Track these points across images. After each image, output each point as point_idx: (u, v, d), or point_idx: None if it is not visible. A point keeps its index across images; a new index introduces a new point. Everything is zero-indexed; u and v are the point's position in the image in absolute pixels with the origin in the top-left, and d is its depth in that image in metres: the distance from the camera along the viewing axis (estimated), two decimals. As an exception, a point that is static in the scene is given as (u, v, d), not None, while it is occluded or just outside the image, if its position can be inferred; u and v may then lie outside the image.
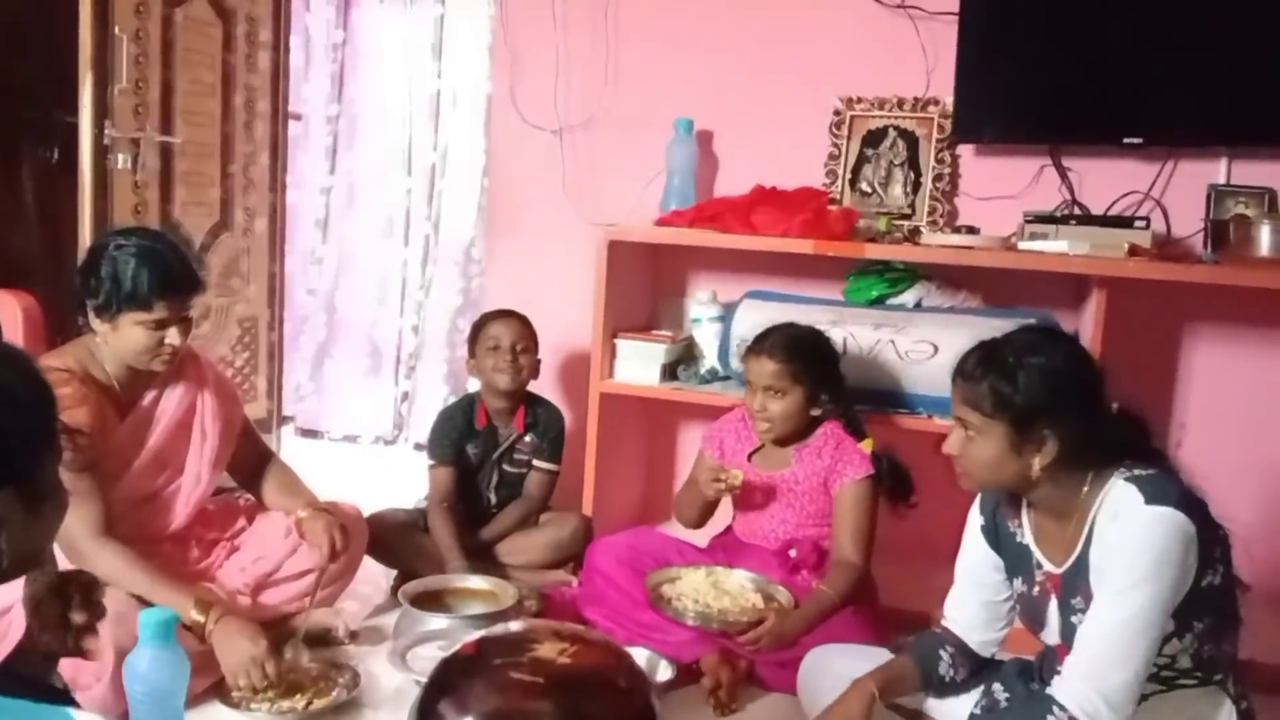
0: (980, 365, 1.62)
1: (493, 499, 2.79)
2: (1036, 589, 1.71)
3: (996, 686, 1.81)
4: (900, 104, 2.92)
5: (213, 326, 3.18)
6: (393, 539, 2.62)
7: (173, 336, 2.08)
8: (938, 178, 2.88)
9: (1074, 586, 1.61)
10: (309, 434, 4.21)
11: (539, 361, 2.77)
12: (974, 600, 1.82)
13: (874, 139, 2.94)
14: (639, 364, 2.86)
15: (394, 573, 2.66)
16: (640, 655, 2.17)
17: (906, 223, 2.86)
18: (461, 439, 2.75)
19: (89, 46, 2.74)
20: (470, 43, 3.90)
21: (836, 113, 2.97)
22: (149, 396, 2.18)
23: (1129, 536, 1.51)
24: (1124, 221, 2.63)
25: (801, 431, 2.42)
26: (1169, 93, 2.65)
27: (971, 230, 2.68)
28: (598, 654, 1.39)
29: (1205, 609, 1.54)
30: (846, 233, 2.65)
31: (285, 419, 3.70)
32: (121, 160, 2.84)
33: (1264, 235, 2.40)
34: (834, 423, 2.43)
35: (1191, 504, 1.53)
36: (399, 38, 4.02)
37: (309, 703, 2.00)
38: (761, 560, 2.42)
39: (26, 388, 1.18)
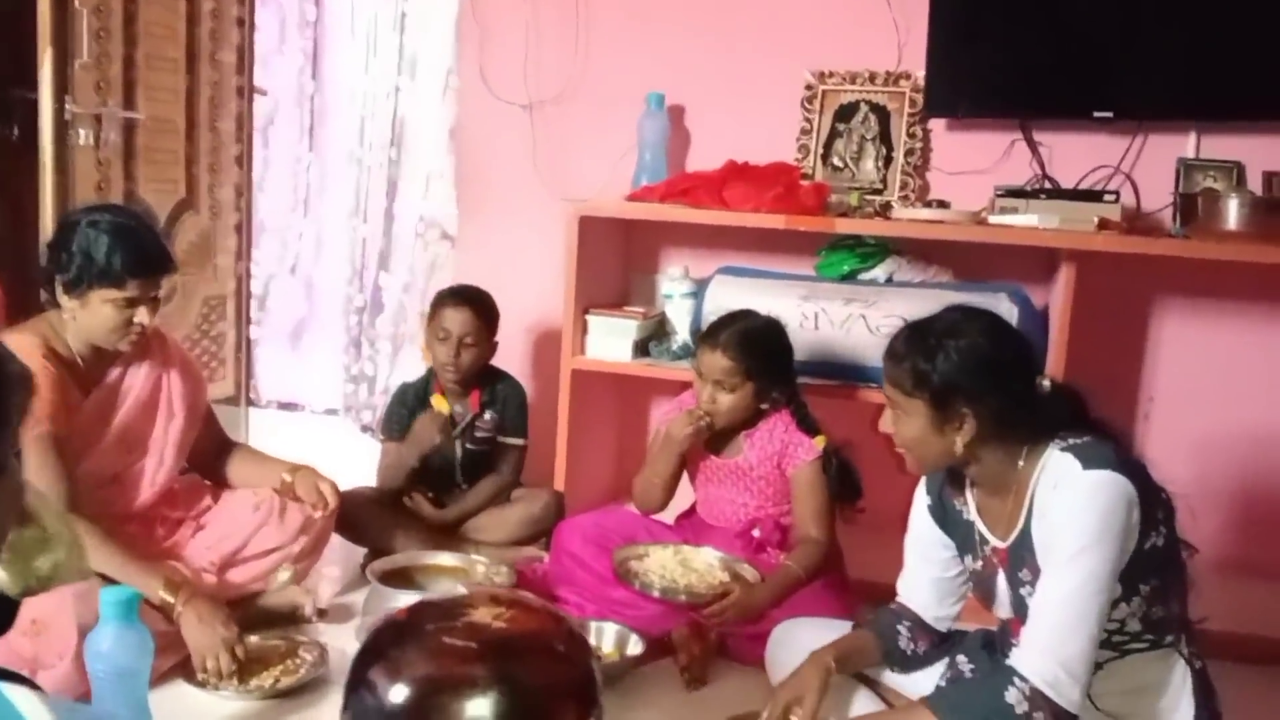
0: (905, 345, 1.64)
1: (459, 478, 2.78)
2: (984, 564, 1.72)
3: (961, 658, 1.83)
4: (872, 78, 2.91)
5: (178, 305, 3.13)
6: (362, 516, 2.60)
7: (142, 315, 2.06)
8: (909, 152, 2.87)
9: (1020, 559, 1.62)
10: (286, 407, 4.18)
11: (495, 345, 2.75)
12: (925, 578, 1.84)
13: (846, 114, 2.93)
14: (611, 340, 2.84)
15: (363, 550, 2.65)
16: (610, 630, 2.18)
17: (878, 197, 2.85)
18: (412, 416, 2.73)
19: (48, 20, 2.67)
20: (437, 16, 3.84)
21: (808, 87, 2.96)
22: (113, 374, 2.16)
23: (1071, 503, 1.52)
24: (1094, 195, 2.63)
25: (748, 420, 2.41)
26: (1139, 67, 2.66)
27: (943, 205, 2.69)
28: (535, 619, 1.37)
29: (1150, 571, 1.56)
30: (818, 208, 2.64)
31: (251, 401, 3.67)
32: (83, 136, 2.78)
33: (1232, 209, 2.40)
34: (782, 411, 2.42)
35: (1129, 466, 1.54)
36: (368, 13, 3.97)
37: (276, 680, 1.99)
38: (726, 541, 2.43)
39: None
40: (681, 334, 2.90)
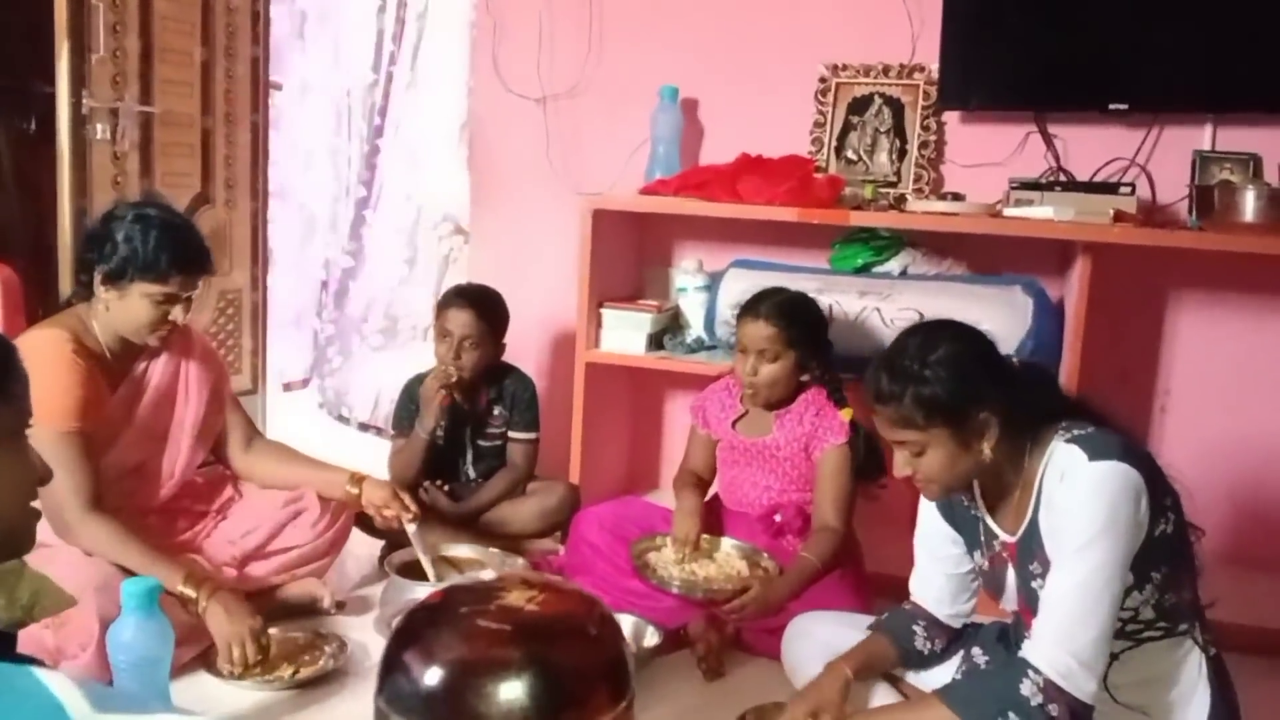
0: (892, 383, 1.60)
1: (472, 474, 2.79)
2: (994, 559, 1.72)
3: (976, 650, 1.82)
4: (886, 71, 2.90)
5: (195, 298, 3.15)
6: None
7: (176, 314, 2.08)
8: (923, 145, 2.87)
9: (1029, 553, 1.62)
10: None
11: (502, 346, 2.73)
12: (937, 575, 1.84)
13: (859, 106, 2.93)
14: (625, 333, 2.85)
15: (380, 543, 2.66)
16: (627, 622, 2.19)
17: (892, 190, 2.85)
18: (420, 410, 2.73)
19: (64, 14, 2.69)
20: (451, 10, 3.86)
21: (822, 80, 2.95)
22: (139, 368, 2.17)
23: (1078, 495, 1.52)
24: (1109, 188, 2.63)
25: (785, 398, 2.42)
26: (1154, 59, 2.64)
27: (957, 197, 2.68)
28: (567, 601, 1.37)
29: (1162, 558, 1.55)
30: (832, 200, 2.64)
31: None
32: (100, 130, 2.80)
33: (1248, 201, 2.40)
34: (817, 390, 2.43)
35: (1135, 455, 1.54)
36: (383, 7, 3.98)
37: (295, 671, 2.00)
38: (747, 526, 2.43)
39: None
40: (695, 327, 2.91)
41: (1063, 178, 2.75)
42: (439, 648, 1.26)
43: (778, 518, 2.40)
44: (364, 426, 3.98)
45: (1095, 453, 1.53)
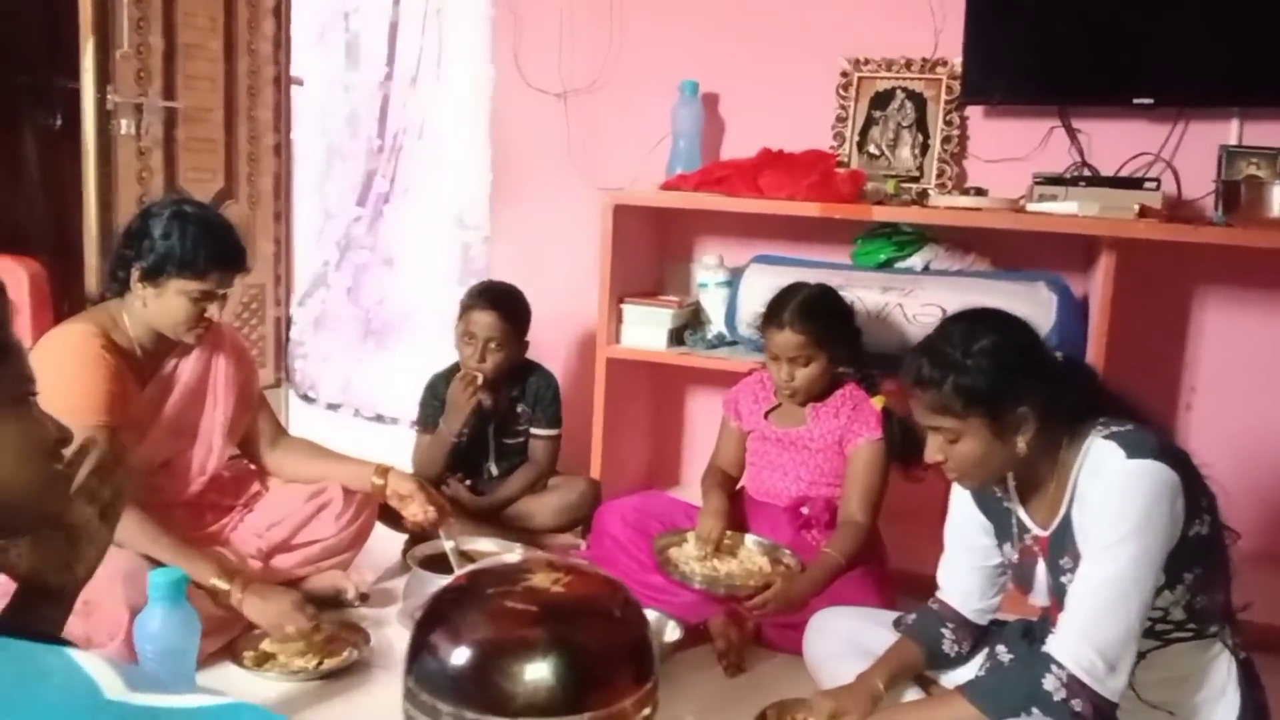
0: (933, 369, 1.59)
1: (494, 470, 2.79)
2: (1025, 553, 1.71)
3: (1000, 648, 1.82)
4: (908, 65, 2.89)
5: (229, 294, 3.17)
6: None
7: (212, 310, 2.09)
8: (946, 140, 2.85)
9: (1061, 547, 1.61)
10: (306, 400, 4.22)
11: (525, 345, 2.73)
12: (965, 566, 1.83)
13: (881, 101, 2.92)
14: (646, 329, 2.85)
15: (403, 536, 2.67)
16: (649, 616, 2.18)
17: (915, 185, 2.84)
18: (444, 406, 2.75)
19: (89, 10, 2.71)
20: (471, 5, 3.85)
21: (844, 74, 2.94)
22: (169, 364, 2.19)
23: (1113, 492, 1.51)
24: (1134, 183, 2.61)
25: (822, 391, 2.41)
26: (1180, 52, 2.62)
27: (980, 192, 2.67)
28: (592, 584, 1.39)
29: (1195, 559, 1.54)
30: (854, 195, 2.63)
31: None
32: (125, 126, 2.81)
33: (1276, 196, 2.38)
34: (854, 384, 2.43)
35: (1173, 454, 1.53)
36: (402, 3, 3.99)
37: (320, 662, 2.01)
38: (773, 517, 2.43)
39: None
40: (716, 323, 2.91)
41: (1087, 173, 2.73)
42: (466, 628, 1.28)
43: (805, 510, 2.39)
44: (332, 406, 4.08)
45: (1132, 450, 1.51)
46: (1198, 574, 1.56)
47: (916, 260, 2.73)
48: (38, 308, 2.49)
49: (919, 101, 2.89)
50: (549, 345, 2.99)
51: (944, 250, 2.74)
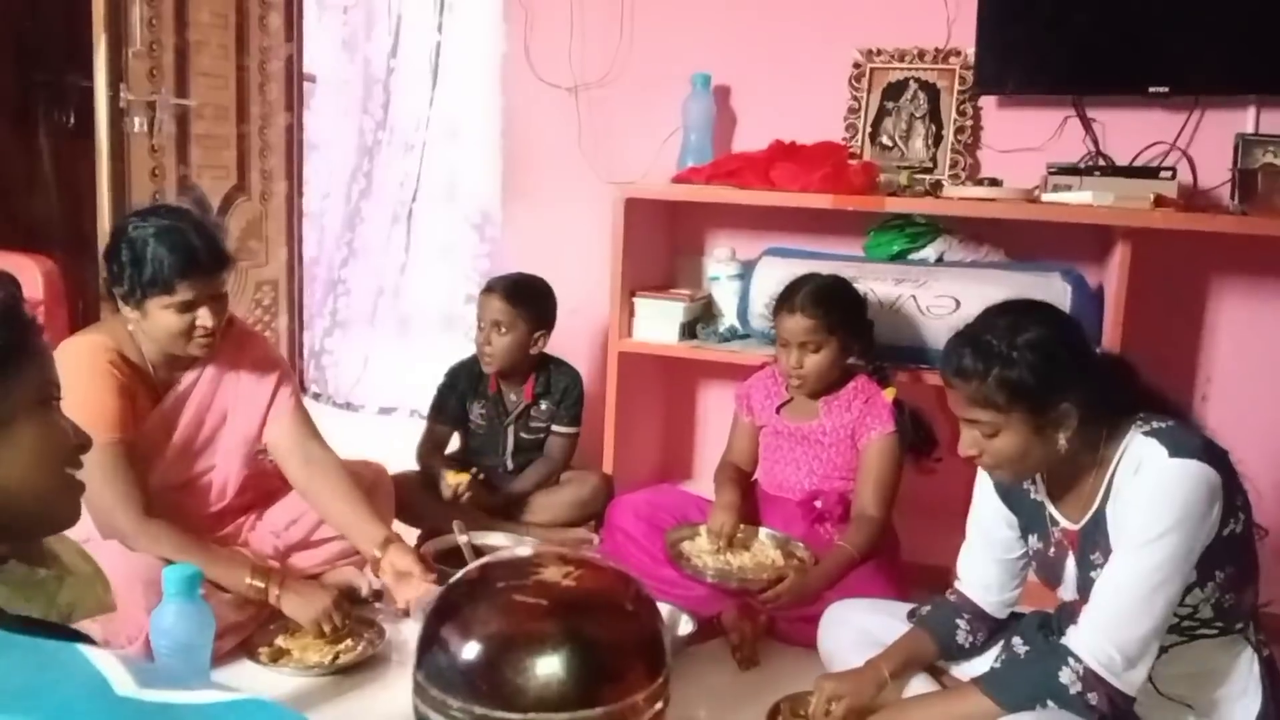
0: (976, 361, 1.55)
1: (509, 465, 2.79)
2: (1053, 547, 1.69)
3: (1016, 640, 1.81)
4: (921, 55, 2.87)
5: (232, 291, 3.17)
6: (416, 500, 2.63)
7: (204, 318, 1.98)
8: (959, 130, 2.84)
9: (1092, 542, 1.60)
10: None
11: (539, 336, 2.69)
12: (986, 558, 1.81)
13: (894, 91, 2.90)
14: (658, 323, 2.84)
15: (417, 532, 2.68)
16: (662, 610, 2.18)
17: (928, 176, 2.82)
18: (463, 399, 2.75)
19: (102, 9, 2.72)
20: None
21: (856, 65, 2.93)
22: (186, 380, 2.12)
23: (1153, 490, 1.49)
24: (1149, 172, 2.59)
25: (833, 384, 2.40)
26: (1195, 40, 2.59)
27: (994, 183, 2.65)
28: (604, 578, 1.38)
29: (1227, 558, 1.53)
30: (867, 187, 2.62)
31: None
32: (137, 123, 2.83)
33: (1293, 184, 2.36)
34: (866, 377, 2.42)
35: (1215, 454, 1.51)
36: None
37: (335, 658, 2.02)
38: (786, 511, 2.42)
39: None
40: (729, 316, 2.90)
41: (1102, 162, 2.71)
42: (476, 622, 1.27)
43: (818, 504, 2.38)
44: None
45: (1176, 449, 1.49)
46: (1229, 573, 1.54)
47: (930, 252, 2.72)
48: (52, 305, 2.50)
49: (932, 92, 2.87)
50: (561, 339, 2.98)
51: (957, 241, 2.72)
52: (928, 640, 1.82)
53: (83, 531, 1.57)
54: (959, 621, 1.82)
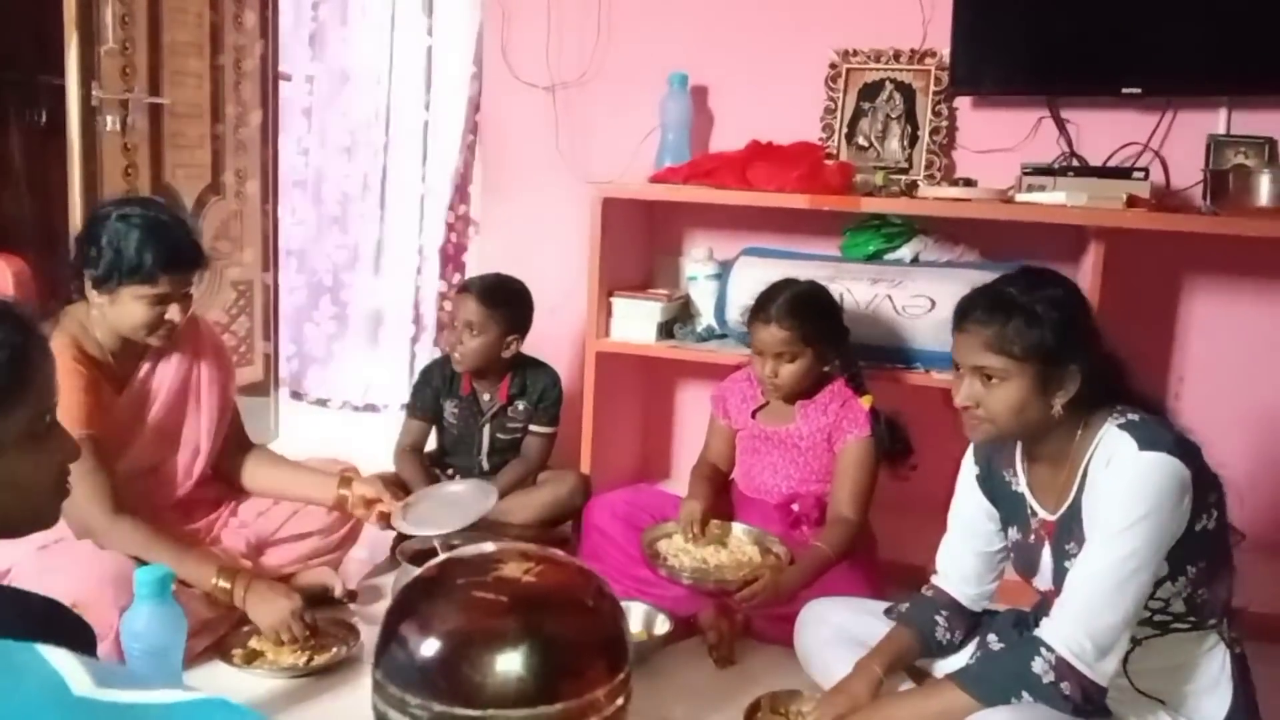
0: (996, 310, 1.58)
1: (485, 465, 2.78)
2: (1031, 536, 1.71)
3: (991, 637, 1.82)
4: (897, 56, 2.88)
5: (206, 291, 3.15)
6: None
7: (173, 313, 2.02)
8: (935, 131, 2.85)
9: (1068, 532, 1.61)
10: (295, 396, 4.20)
11: (514, 338, 2.68)
12: (966, 550, 1.83)
13: (870, 92, 2.91)
14: (635, 323, 2.84)
15: (392, 533, 2.66)
16: (638, 609, 2.19)
17: (904, 177, 2.83)
18: (437, 396, 2.74)
19: (73, 7, 2.68)
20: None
21: (832, 66, 2.94)
22: (144, 370, 2.14)
23: (1122, 482, 1.51)
24: (1122, 173, 2.61)
25: (809, 389, 2.41)
26: (1168, 42, 2.62)
27: (969, 183, 2.66)
28: (564, 574, 1.37)
29: (1199, 553, 1.54)
30: (843, 187, 2.63)
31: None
32: (110, 122, 2.79)
33: (1263, 185, 2.38)
34: (841, 381, 2.42)
35: (1186, 449, 1.53)
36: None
37: (309, 659, 2.01)
38: (763, 514, 2.42)
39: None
40: (706, 316, 2.90)
41: (1075, 163, 2.73)
42: (435, 619, 1.26)
43: (795, 507, 2.38)
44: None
45: (1145, 442, 1.51)
46: (1201, 567, 1.56)
47: (905, 252, 2.73)
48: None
49: (908, 93, 2.88)
50: (538, 338, 2.98)
51: (933, 241, 2.73)
52: (909, 637, 1.83)
53: (54, 531, 1.56)
54: (937, 618, 1.83)
